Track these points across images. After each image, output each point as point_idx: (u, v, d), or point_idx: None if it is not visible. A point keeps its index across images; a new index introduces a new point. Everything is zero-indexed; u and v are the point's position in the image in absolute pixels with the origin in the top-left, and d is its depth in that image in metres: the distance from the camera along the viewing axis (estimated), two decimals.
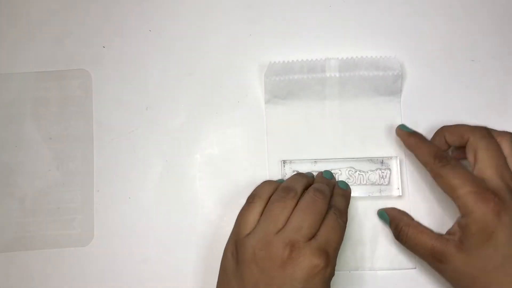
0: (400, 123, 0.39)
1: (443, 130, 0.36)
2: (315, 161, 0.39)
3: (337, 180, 0.38)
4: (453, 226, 0.33)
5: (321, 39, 0.41)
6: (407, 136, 0.37)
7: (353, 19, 0.41)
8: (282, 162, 0.39)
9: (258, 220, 0.32)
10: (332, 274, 0.31)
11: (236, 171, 0.39)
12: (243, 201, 0.38)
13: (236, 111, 0.40)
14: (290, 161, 0.39)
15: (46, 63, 0.42)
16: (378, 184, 0.38)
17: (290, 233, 0.31)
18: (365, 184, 0.38)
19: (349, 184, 0.37)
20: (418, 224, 0.35)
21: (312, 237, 0.31)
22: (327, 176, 0.37)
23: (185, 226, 0.39)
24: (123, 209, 0.39)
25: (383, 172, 0.38)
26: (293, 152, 0.39)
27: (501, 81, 0.40)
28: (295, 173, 0.38)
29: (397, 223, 0.35)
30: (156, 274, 0.38)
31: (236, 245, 0.32)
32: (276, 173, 0.39)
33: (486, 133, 0.33)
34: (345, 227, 0.33)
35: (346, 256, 0.37)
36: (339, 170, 0.38)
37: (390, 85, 0.39)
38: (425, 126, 0.39)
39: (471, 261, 0.31)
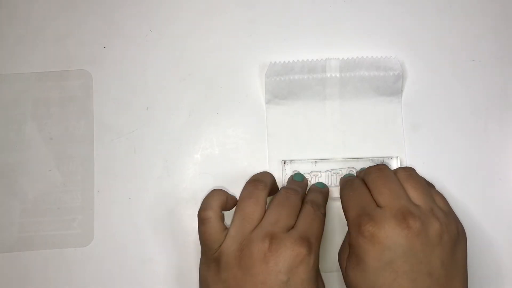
0: (400, 123, 0.39)
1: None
2: (315, 161, 0.39)
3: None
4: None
5: (322, 39, 0.41)
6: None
7: (354, 19, 0.41)
8: (283, 162, 0.39)
9: (226, 229, 0.32)
10: (316, 263, 0.30)
11: (236, 171, 0.39)
12: None
13: (236, 111, 0.40)
14: (291, 161, 0.39)
15: (46, 63, 0.42)
16: None
17: (267, 226, 0.30)
18: None
19: None
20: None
21: (290, 229, 0.31)
22: (297, 179, 0.37)
23: (185, 226, 0.39)
24: (123, 209, 0.39)
25: None
26: (294, 152, 0.39)
27: (501, 81, 0.40)
28: (292, 174, 0.38)
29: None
30: (156, 274, 0.38)
31: (213, 258, 0.31)
32: (276, 173, 0.39)
33: (375, 168, 0.33)
34: (324, 218, 0.33)
35: None
36: (340, 170, 0.38)
37: (391, 85, 0.39)
38: (425, 126, 0.39)
39: (346, 273, 0.31)
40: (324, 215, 0.33)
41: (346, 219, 0.32)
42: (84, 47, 0.42)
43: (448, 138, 0.39)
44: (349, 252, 0.31)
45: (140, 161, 0.40)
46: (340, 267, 0.32)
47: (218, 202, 0.33)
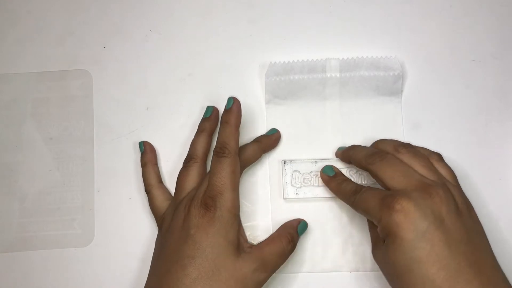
0: (400, 123, 0.39)
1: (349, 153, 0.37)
2: (315, 161, 0.38)
3: None
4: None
5: (322, 39, 0.41)
6: (328, 181, 0.37)
7: (354, 19, 0.41)
8: (283, 162, 0.39)
9: (169, 199, 0.37)
10: (225, 214, 0.32)
11: None
12: (243, 201, 0.38)
13: None
14: (291, 161, 0.39)
15: (46, 63, 0.42)
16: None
17: (190, 193, 0.35)
18: (366, 184, 0.38)
19: None
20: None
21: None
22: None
23: None
24: (123, 209, 0.39)
25: None
26: (294, 152, 0.39)
27: (501, 81, 0.40)
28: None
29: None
30: None
31: (159, 225, 0.36)
32: (276, 173, 0.39)
33: (375, 155, 0.34)
34: (232, 160, 0.33)
35: (347, 256, 0.37)
36: (340, 170, 0.38)
37: (391, 85, 0.39)
38: (425, 126, 0.39)
39: (385, 261, 0.31)
40: (232, 157, 0.34)
41: (370, 215, 0.32)
42: (84, 47, 0.42)
43: (448, 138, 0.39)
44: (383, 237, 0.31)
45: (140, 161, 0.40)
46: (376, 260, 0.32)
47: (154, 177, 0.38)
